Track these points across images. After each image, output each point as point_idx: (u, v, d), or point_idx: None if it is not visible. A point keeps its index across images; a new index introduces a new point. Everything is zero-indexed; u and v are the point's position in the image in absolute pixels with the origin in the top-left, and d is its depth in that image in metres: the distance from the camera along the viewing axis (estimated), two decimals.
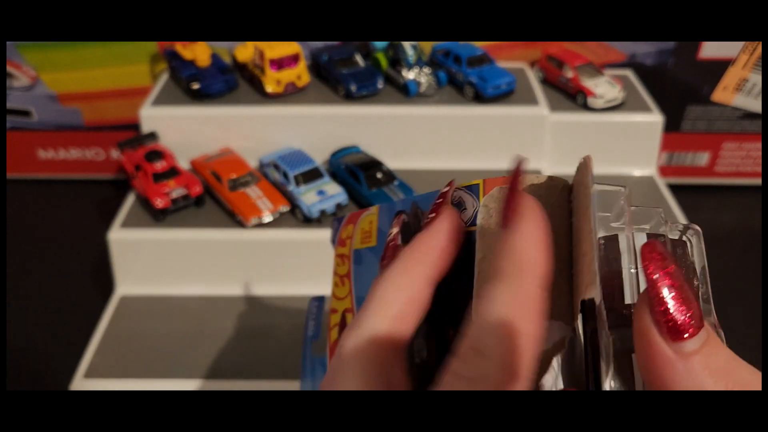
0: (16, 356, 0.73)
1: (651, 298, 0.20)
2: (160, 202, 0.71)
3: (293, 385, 0.63)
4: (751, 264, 0.86)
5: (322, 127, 0.81)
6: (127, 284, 0.74)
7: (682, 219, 0.77)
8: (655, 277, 0.20)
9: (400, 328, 0.24)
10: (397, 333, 0.24)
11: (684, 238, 0.24)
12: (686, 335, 0.20)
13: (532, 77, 0.89)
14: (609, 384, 0.22)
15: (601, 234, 0.23)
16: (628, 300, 0.22)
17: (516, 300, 0.20)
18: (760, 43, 0.87)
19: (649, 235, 0.24)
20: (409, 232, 0.26)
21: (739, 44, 0.88)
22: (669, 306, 0.20)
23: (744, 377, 0.20)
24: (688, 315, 0.20)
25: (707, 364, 0.20)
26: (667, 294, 0.20)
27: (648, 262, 0.20)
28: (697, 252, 0.24)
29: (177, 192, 0.73)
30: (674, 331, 0.20)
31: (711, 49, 0.89)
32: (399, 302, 0.24)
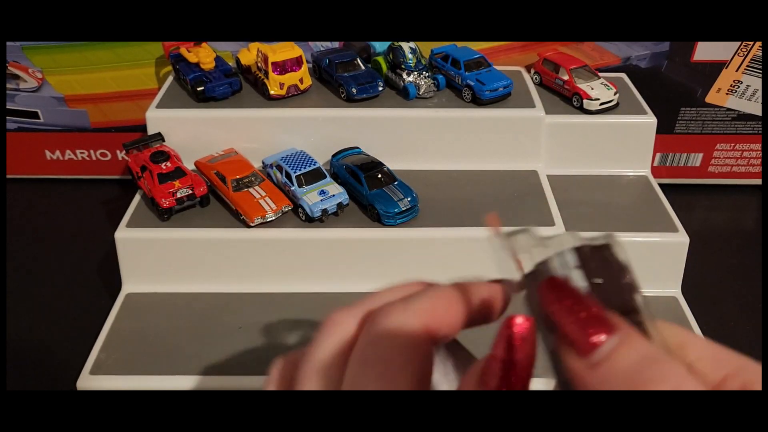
0: (23, 353, 0.74)
1: (556, 327, 0.22)
2: (165, 202, 0.73)
3: None
4: (745, 263, 0.87)
5: (323, 129, 0.82)
6: (134, 282, 0.75)
7: (675, 218, 0.78)
8: (551, 310, 0.22)
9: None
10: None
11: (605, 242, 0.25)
12: (589, 351, 0.21)
13: (529, 80, 0.90)
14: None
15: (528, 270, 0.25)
16: None
17: None
18: (754, 45, 0.88)
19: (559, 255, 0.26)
20: None
21: (733, 47, 0.90)
22: (568, 330, 0.22)
23: (657, 374, 0.21)
24: (586, 332, 0.21)
25: (615, 370, 0.21)
26: (565, 319, 0.22)
27: (545, 298, 0.22)
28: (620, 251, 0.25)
29: (182, 192, 0.74)
30: (579, 350, 0.21)
31: (705, 52, 0.90)
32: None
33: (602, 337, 0.21)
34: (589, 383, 0.21)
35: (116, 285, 0.76)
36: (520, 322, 0.22)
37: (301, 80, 0.84)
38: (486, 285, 0.27)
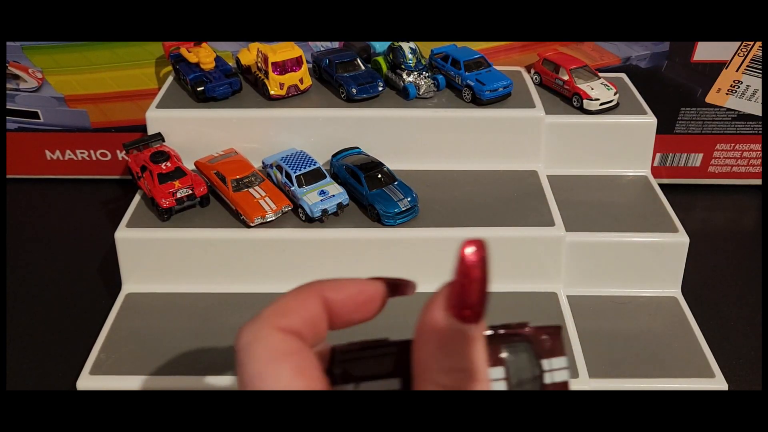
0: (23, 353, 0.74)
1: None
2: (165, 202, 0.73)
3: None
4: (745, 262, 0.87)
5: (323, 129, 0.82)
6: (134, 282, 0.76)
7: (675, 218, 0.78)
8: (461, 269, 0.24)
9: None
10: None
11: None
12: (456, 315, 0.24)
13: (529, 80, 0.90)
14: None
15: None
16: None
17: None
18: (754, 46, 0.88)
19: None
20: None
21: (733, 47, 0.90)
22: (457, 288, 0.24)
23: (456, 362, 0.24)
24: (467, 303, 0.24)
25: (441, 334, 0.24)
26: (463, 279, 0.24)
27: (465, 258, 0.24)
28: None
29: (182, 192, 0.74)
30: (450, 307, 0.24)
31: (705, 52, 0.90)
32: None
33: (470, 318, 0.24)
34: (419, 328, 0.24)
35: (116, 285, 0.76)
36: (470, 249, 0.24)
37: (301, 80, 0.84)
38: (356, 282, 0.28)
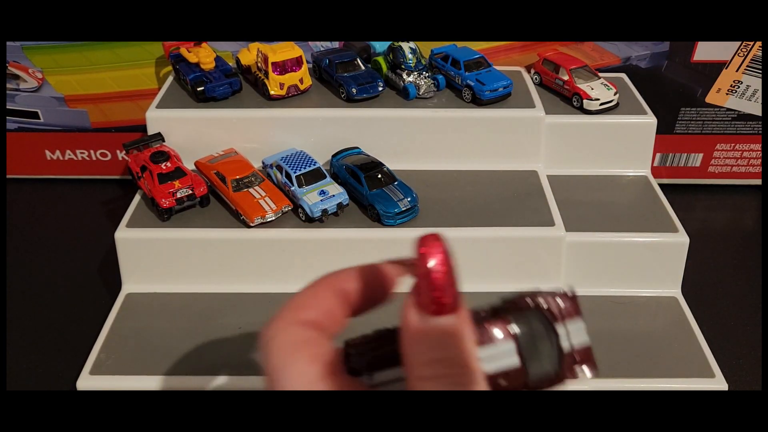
0: (23, 353, 0.74)
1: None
2: (165, 202, 0.73)
3: None
4: (745, 262, 0.87)
5: (323, 129, 0.82)
6: (134, 282, 0.76)
7: (675, 218, 0.78)
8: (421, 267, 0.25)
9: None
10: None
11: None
12: (430, 312, 0.24)
13: (529, 80, 0.90)
14: None
15: None
16: None
17: None
18: (754, 46, 0.88)
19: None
20: None
21: (733, 47, 0.90)
22: (425, 286, 0.24)
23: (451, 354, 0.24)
24: (440, 297, 0.24)
25: (427, 334, 0.24)
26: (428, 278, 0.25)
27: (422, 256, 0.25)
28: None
29: (182, 192, 0.74)
30: (421, 306, 0.24)
31: (705, 52, 0.90)
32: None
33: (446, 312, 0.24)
34: (405, 335, 0.24)
35: (116, 285, 0.76)
36: (429, 247, 0.25)
37: (301, 80, 0.84)
38: (369, 269, 0.28)
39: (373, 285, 0.28)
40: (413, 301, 0.24)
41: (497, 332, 0.26)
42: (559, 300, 0.26)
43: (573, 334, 0.26)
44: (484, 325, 0.26)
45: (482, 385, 0.24)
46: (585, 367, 0.26)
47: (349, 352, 0.27)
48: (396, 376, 0.26)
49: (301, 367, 0.25)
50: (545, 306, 0.26)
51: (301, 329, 0.26)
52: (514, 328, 0.26)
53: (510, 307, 0.26)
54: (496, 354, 0.26)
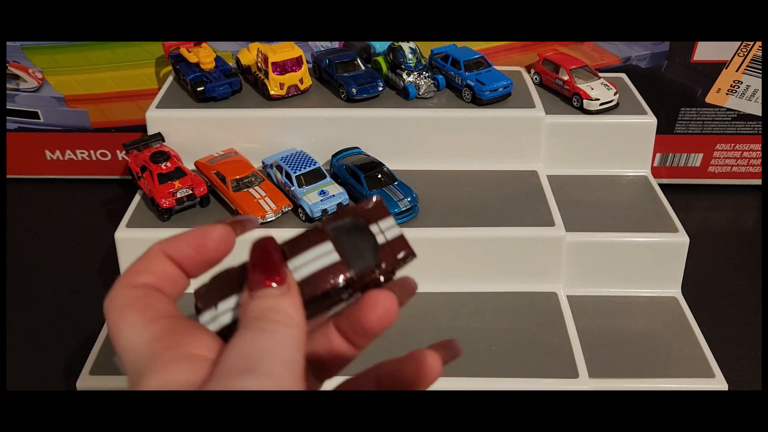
0: (23, 353, 0.74)
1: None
2: (165, 202, 0.73)
3: None
4: (745, 262, 0.87)
5: (323, 129, 0.82)
6: None
7: (675, 218, 0.78)
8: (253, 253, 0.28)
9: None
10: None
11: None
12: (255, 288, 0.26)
13: (529, 80, 0.90)
14: None
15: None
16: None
17: None
18: (754, 46, 0.88)
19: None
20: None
21: (733, 47, 0.90)
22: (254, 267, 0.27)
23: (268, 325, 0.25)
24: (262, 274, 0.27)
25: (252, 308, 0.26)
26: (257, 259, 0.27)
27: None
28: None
29: (182, 192, 0.74)
30: (251, 284, 0.26)
31: (705, 53, 0.90)
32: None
33: (273, 284, 0.26)
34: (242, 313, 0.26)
35: None
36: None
37: (301, 80, 0.84)
38: (196, 231, 0.29)
39: (204, 246, 0.29)
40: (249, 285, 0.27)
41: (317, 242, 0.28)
42: (368, 206, 0.29)
43: (386, 231, 0.29)
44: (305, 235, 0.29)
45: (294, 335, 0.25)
46: (402, 253, 0.29)
47: (199, 294, 0.28)
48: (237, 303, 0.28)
49: (130, 318, 0.26)
50: (356, 214, 0.29)
51: (133, 290, 0.27)
52: (331, 234, 0.28)
53: (326, 221, 0.29)
54: (317, 255, 0.28)
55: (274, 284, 0.26)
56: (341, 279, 0.27)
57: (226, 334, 0.27)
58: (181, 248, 0.29)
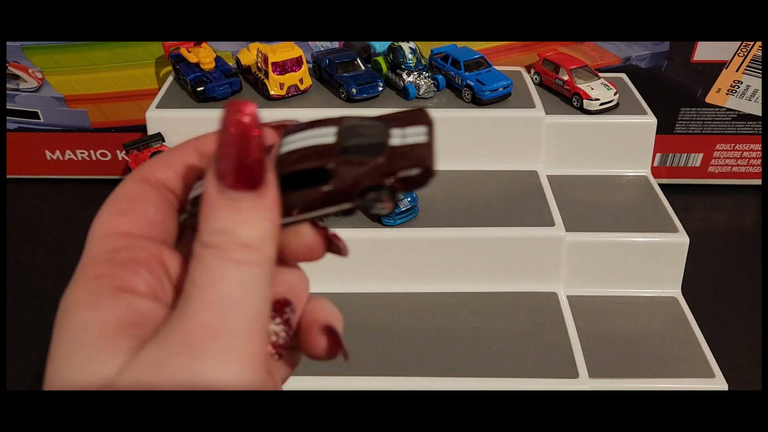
0: (20, 354, 0.74)
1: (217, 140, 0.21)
2: None
3: (287, 384, 0.64)
4: (745, 262, 0.87)
5: None
6: None
7: (675, 218, 0.78)
8: (225, 123, 0.20)
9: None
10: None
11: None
12: (227, 180, 0.20)
13: (529, 81, 0.90)
14: None
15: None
16: None
17: None
18: (754, 46, 0.88)
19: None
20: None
21: (733, 47, 0.90)
22: (228, 157, 0.20)
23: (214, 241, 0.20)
24: (240, 172, 0.20)
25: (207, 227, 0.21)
26: (232, 148, 0.20)
27: (227, 111, 0.20)
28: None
29: None
30: (222, 177, 0.20)
31: (705, 52, 0.90)
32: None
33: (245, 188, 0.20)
34: (203, 200, 0.21)
35: None
36: (240, 107, 0.21)
37: (301, 80, 0.84)
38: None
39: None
40: (214, 167, 0.21)
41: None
42: (407, 116, 0.24)
43: (408, 136, 0.23)
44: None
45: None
46: (412, 160, 0.22)
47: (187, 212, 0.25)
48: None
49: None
50: (385, 116, 0.23)
51: (142, 186, 0.25)
52: (344, 123, 0.23)
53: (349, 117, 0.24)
54: (314, 134, 0.23)
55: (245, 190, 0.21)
56: (322, 162, 0.22)
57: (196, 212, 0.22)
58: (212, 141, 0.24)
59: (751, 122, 0.95)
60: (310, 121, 0.24)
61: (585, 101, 0.84)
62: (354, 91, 0.82)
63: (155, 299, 0.23)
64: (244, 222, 0.21)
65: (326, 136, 0.22)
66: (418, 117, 0.23)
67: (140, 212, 0.24)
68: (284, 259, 0.26)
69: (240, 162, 0.20)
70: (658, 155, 0.98)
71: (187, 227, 0.25)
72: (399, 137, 0.23)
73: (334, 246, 0.28)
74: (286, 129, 0.24)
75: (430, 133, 0.23)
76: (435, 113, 0.85)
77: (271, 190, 0.21)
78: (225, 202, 0.21)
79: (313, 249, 0.27)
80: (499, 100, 0.84)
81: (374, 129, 0.23)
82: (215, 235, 0.21)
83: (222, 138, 0.21)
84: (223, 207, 0.21)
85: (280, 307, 0.25)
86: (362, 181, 0.22)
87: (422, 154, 0.22)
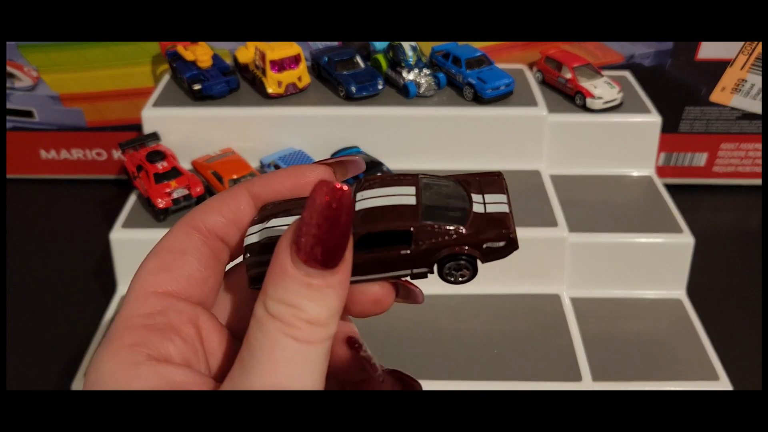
0: (18, 355, 0.73)
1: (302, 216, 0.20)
2: (161, 203, 0.72)
3: None
4: (749, 263, 0.87)
5: (322, 128, 0.81)
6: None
7: (680, 218, 0.77)
8: (313, 203, 0.20)
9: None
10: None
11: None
12: (303, 259, 0.20)
13: (531, 79, 0.89)
14: None
15: None
16: None
17: None
18: (759, 44, 0.87)
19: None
20: None
21: (737, 45, 0.89)
22: (309, 228, 0.20)
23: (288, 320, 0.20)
24: (317, 246, 0.20)
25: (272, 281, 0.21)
26: (315, 220, 0.20)
27: (319, 190, 0.20)
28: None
29: (178, 192, 0.73)
30: (298, 249, 0.20)
31: (709, 51, 0.89)
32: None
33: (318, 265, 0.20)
34: (272, 267, 0.21)
35: (111, 286, 0.75)
36: (333, 187, 0.20)
37: (299, 78, 0.83)
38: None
39: (297, 185, 0.26)
40: (292, 238, 0.21)
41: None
42: (482, 175, 0.24)
43: (489, 204, 0.23)
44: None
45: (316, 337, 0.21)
46: (497, 232, 0.22)
47: (263, 207, 0.25)
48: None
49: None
50: (460, 178, 0.24)
51: (189, 236, 0.25)
52: (421, 183, 0.23)
53: (424, 175, 0.24)
54: (392, 192, 0.23)
55: (320, 268, 0.20)
56: (406, 225, 0.21)
57: (256, 260, 0.22)
58: (271, 186, 0.25)
59: (755, 121, 0.94)
60: (381, 175, 0.24)
61: (588, 100, 0.83)
62: (353, 89, 0.81)
63: (188, 367, 0.23)
64: (315, 299, 0.21)
65: (406, 196, 0.22)
66: (495, 182, 0.24)
67: (182, 269, 0.25)
68: (348, 314, 0.26)
69: (324, 245, 0.20)
70: (662, 154, 0.97)
71: (233, 275, 0.25)
72: (480, 204, 0.23)
73: (403, 292, 0.26)
74: (358, 183, 0.24)
75: (509, 202, 0.23)
76: (436, 112, 0.84)
77: (345, 268, 0.21)
78: (298, 276, 0.20)
79: (381, 302, 0.26)
80: (501, 98, 0.83)
81: (454, 192, 0.23)
82: (282, 306, 0.21)
83: (309, 215, 0.20)
84: (295, 280, 0.20)
85: (352, 343, 0.26)
86: (444, 248, 0.22)
87: (507, 227, 0.22)
